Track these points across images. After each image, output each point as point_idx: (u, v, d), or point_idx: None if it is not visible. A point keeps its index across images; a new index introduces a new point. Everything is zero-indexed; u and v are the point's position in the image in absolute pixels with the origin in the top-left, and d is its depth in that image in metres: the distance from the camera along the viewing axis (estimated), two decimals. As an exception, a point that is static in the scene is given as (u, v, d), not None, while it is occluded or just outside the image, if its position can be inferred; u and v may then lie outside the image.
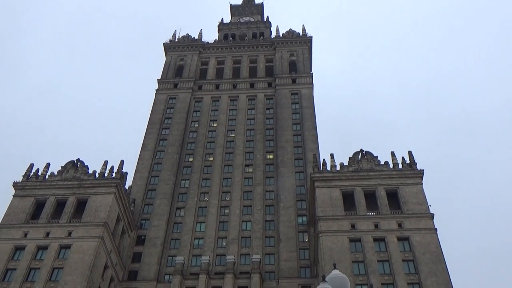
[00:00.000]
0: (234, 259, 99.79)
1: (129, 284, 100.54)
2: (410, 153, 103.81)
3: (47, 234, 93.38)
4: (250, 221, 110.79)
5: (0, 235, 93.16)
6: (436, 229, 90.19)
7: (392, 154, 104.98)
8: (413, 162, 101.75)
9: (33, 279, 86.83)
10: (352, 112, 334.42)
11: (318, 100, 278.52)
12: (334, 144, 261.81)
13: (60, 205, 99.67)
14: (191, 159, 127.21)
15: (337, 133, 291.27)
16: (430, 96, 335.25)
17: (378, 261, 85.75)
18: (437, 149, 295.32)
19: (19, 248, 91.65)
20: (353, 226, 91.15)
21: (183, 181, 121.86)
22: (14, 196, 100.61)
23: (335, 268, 14.53)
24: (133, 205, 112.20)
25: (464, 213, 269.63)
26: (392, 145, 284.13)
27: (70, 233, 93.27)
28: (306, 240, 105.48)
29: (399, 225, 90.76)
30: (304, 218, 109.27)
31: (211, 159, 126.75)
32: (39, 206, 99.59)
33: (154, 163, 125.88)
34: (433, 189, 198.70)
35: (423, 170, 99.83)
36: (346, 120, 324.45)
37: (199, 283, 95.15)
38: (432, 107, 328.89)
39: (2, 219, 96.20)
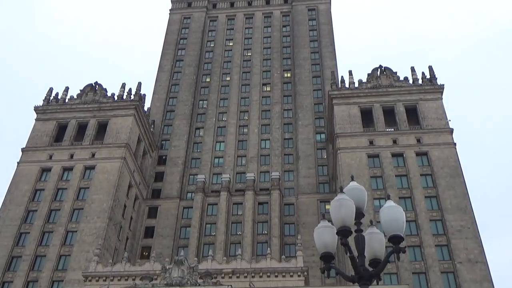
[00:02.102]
0: (254, 176, 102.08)
1: (153, 202, 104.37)
2: (430, 68, 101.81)
3: (71, 156, 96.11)
4: (269, 139, 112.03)
5: (26, 158, 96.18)
6: (455, 144, 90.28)
7: (412, 69, 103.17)
8: (433, 77, 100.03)
9: (61, 198, 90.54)
10: (373, 28, 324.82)
11: (336, 16, 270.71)
12: (353, 61, 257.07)
13: (81, 128, 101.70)
14: (208, 80, 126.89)
15: (356, 50, 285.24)
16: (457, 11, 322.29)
17: (396, 176, 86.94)
18: (461, 66, 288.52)
19: (46, 170, 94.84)
20: (371, 143, 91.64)
21: (201, 102, 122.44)
22: (36, 120, 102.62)
23: (352, 180, 14.73)
24: (152, 126, 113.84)
25: (484, 129, 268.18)
26: (414, 62, 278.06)
27: (93, 155, 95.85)
28: (325, 157, 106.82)
29: (418, 140, 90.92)
30: (323, 136, 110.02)
31: (228, 79, 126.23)
32: (61, 129, 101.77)
33: (171, 84, 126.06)
34: (453, 104, 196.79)
35: (443, 85, 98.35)
36: (367, 36, 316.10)
37: (220, 199, 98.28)
38: (459, 22, 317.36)
39: (27, 142, 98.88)
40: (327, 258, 13.20)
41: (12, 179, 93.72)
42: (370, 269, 13.22)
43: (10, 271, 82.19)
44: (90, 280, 69.04)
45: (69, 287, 75.28)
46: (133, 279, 65.87)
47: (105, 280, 67.12)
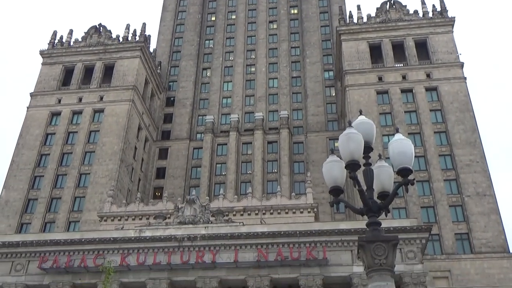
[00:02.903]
0: (263, 115, 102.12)
1: (163, 143, 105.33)
2: (441, 0, 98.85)
3: (80, 99, 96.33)
4: (277, 78, 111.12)
5: (35, 103, 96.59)
6: (465, 78, 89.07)
7: (422, 2, 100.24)
8: (444, 10, 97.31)
9: (72, 142, 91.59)
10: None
11: None
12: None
13: (88, 71, 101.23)
14: (213, 18, 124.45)
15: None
16: None
17: (405, 112, 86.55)
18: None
19: (55, 114, 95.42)
20: (380, 79, 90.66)
21: (207, 41, 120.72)
22: (42, 64, 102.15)
23: (361, 114, 14.67)
24: (159, 67, 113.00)
25: (495, 63, 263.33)
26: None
27: (101, 98, 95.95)
28: (333, 94, 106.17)
29: (428, 75, 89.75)
30: (331, 73, 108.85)
31: (233, 17, 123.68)
32: (68, 73, 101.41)
33: (176, 24, 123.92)
34: (464, 38, 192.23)
35: (454, 17, 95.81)
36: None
37: (229, 139, 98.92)
38: None
39: (35, 87, 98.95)
40: (336, 192, 13.36)
41: (23, 124, 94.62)
42: (379, 201, 13.40)
43: (27, 213, 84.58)
44: (105, 220, 70.93)
45: (85, 227, 77.48)
46: (147, 218, 67.56)
47: (119, 220, 68.94)
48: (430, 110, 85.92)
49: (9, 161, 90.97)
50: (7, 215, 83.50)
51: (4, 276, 54.59)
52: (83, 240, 54.99)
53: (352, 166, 13.10)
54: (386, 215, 13.83)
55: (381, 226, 12.95)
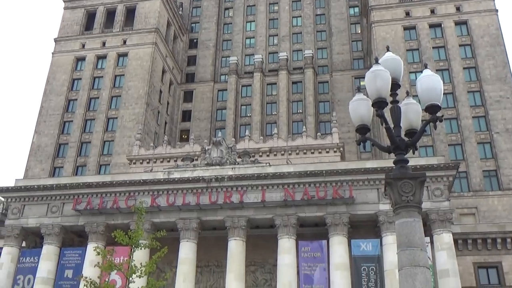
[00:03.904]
0: (287, 55, 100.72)
1: (187, 86, 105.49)
2: None
3: (103, 44, 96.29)
4: (300, 16, 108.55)
5: (60, 48, 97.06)
6: (496, 11, 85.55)
7: None
8: None
9: (98, 86, 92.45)
10: None
11: None
12: None
13: (110, 14, 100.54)
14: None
15: None
16: None
17: (433, 47, 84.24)
18: None
19: (80, 59, 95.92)
20: (407, 14, 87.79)
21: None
22: (64, 8, 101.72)
23: (388, 50, 14.33)
24: (181, 9, 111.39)
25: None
26: None
27: (124, 42, 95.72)
28: (359, 32, 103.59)
29: (457, 8, 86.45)
30: (356, 9, 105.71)
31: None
32: (90, 17, 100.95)
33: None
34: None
35: None
36: None
37: (254, 80, 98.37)
38: None
39: (59, 32, 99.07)
40: (362, 130, 13.28)
41: (49, 70, 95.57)
42: (406, 139, 13.30)
43: (59, 157, 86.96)
44: (134, 163, 72.46)
45: (115, 170, 79.43)
46: (175, 160, 68.72)
47: (148, 163, 70.31)
48: (459, 45, 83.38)
49: (38, 107, 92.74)
50: (40, 159, 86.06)
51: (41, 218, 56.88)
52: (114, 182, 56.43)
53: (379, 103, 12.95)
54: (413, 153, 13.80)
55: (408, 164, 12.93)
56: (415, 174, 12.59)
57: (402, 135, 13.28)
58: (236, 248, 52.29)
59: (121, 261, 22.56)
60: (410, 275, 11.37)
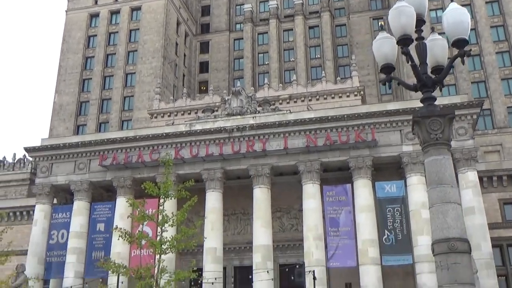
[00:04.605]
0: (302, 0, 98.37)
1: (203, 37, 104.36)
2: None
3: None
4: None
5: (73, 6, 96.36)
6: None
7: None
8: None
9: (114, 42, 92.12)
10: None
11: None
12: None
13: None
14: None
15: None
16: None
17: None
18: None
19: (94, 15, 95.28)
20: None
21: None
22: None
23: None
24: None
25: None
26: None
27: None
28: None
29: None
30: None
31: None
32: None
33: None
34: None
35: None
36: None
37: (270, 28, 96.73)
38: None
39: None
40: (387, 69, 13.05)
41: (64, 28, 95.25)
42: (433, 76, 13.06)
43: (81, 115, 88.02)
44: (155, 117, 72.96)
45: (137, 125, 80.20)
46: (195, 112, 68.93)
47: (169, 116, 70.73)
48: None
49: (56, 66, 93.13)
50: (63, 118, 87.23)
51: (69, 175, 58.19)
52: (137, 137, 57.03)
53: (404, 41, 12.64)
54: (440, 90, 13.55)
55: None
56: (444, 111, 12.44)
57: (429, 72, 13.04)
58: (261, 196, 53.06)
59: (152, 213, 23.09)
60: (441, 212, 11.43)
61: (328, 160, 53.30)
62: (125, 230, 21.86)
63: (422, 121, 12.30)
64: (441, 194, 11.63)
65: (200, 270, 24.21)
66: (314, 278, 40.32)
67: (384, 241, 49.28)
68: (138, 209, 19.00)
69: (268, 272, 48.76)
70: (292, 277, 55.49)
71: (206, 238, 23.85)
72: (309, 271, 38.79)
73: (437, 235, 11.35)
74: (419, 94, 13.14)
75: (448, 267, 10.77)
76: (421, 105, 13.06)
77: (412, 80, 12.99)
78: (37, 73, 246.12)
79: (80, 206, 56.81)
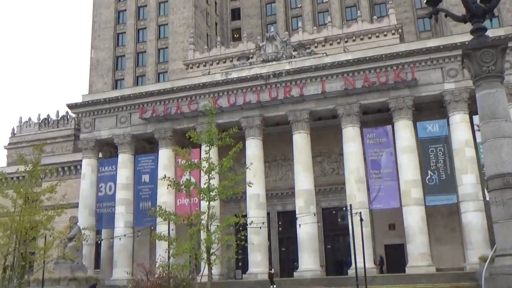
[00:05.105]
0: None
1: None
2: None
3: None
4: None
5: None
6: None
7: None
8: None
9: (143, 39, 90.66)
10: None
11: None
12: None
13: None
14: None
15: None
16: None
17: None
18: None
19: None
20: None
21: None
22: None
23: None
24: None
25: None
26: None
27: None
28: None
29: None
30: None
31: None
32: None
33: None
34: None
35: None
36: None
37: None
38: None
39: None
40: (433, 1, 12.52)
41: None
42: (482, 6, 12.45)
43: (118, 69, 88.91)
44: (191, 68, 72.98)
45: (173, 76, 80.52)
46: (230, 61, 68.52)
47: (204, 66, 70.62)
48: None
49: (90, 22, 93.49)
50: (101, 73, 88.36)
51: (112, 129, 59.43)
52: (174, 88, 57.30)
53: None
54: (490, 20, 12.95)
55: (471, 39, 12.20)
56: (496, 42, 11.93)
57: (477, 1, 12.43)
58: (301, 141, 53.07)
59: (195, 162, 23.34)
60: (495, 147, 11.15)
61: (367, 102, 52.51)
62: (173, 179, 22.39)
63: (473, 53, 11.84)
64: (495, 129, 11.31)
65: (244, 217, 24.75)
66: (361, 219, 40.65)
67: (427, 182, 48.94)
68: (184, 158, 19.29)
69: (315, 214, 49.59)
70: (336, 220, 56.22)
71: (252, 184, 24.12)
72: (356, 213, 39.08)
73: (491, 170, 11.11)
74: (460, 29, 12.75)
75: (503, 202, 10.59)
76: (464, 40, 12.70)
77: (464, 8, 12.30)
78: (73, 29, 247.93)
79: (124, 159, 58.31)
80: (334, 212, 53.45)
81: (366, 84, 51.35)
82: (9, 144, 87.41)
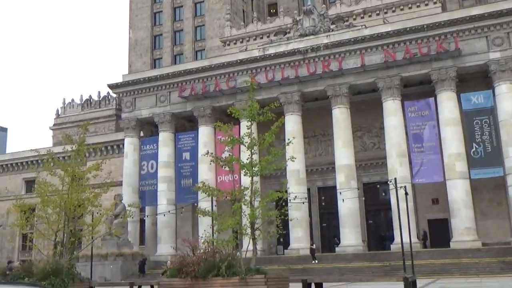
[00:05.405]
0: None
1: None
2: None
3: None
4: None
5: None
6: None
7: None
8: None
9: (180, 17, 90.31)
10: None
11: None
12: None
13: None
14: None
15: None
16: None
17: None
18: None
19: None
20: None
21: None
22: None
23: None
24: None
25: None
26: None
27: None
28: None
29: None
30: None
31: None
32: None
33: None
34: None
35: None
36: None
37: None
38: None
39: None
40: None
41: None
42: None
43: (156, 49, 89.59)
44: (228, 44, 72.83)
45: (211, 54, 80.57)
46: (267, 36, 67.96)
47: (241, 42, 70.32)
48: None
49: (127, 1, 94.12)
50: (140, 53, 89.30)
51: (152, 108, 60.23)
52: (212, 66, 57.41)
53: None
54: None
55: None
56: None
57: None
58: (340, 116, 52.52)
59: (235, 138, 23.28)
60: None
61: (408, 74, 51.39)
62: (216, 155, 22.59)
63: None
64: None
65: (286, 192, 24.89)
66: (406, 193, 40.11)
67: (472, 155, 47.76)
68: (227, 134, 19.38)
69: (358, 189, 49.28)
70: (377, 195, 55.73)
71: (295, 158, 23.94)
72: (401, 187, 38.53)
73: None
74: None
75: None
76: (510, 6, 11.95)
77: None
78: (112, 11, 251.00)
79: (165, 137, 59.15)
80: (378, 186, 52.88)
81: (407, 55, 50.18)
82: (54, 125, 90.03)
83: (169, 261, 43.45)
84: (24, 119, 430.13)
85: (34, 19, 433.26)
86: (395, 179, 39.82)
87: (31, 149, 58.37)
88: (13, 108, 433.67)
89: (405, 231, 38.84)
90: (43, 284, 19.43)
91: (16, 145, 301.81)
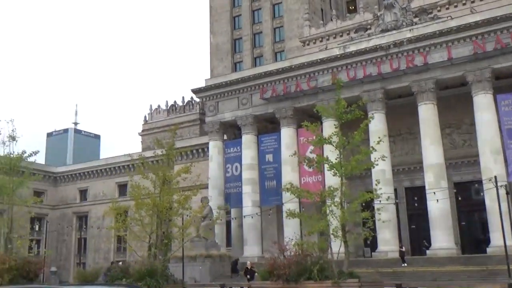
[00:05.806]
0: None
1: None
2: None
3: None
4: None
5: None
6: None
7: None
8: None
9: (259, 20, 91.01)
10: None
11: None
12: None
13: None
14: None
15: None
16: None
17: None
18: None
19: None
20: None
21: None
22: None
23: None
24: None
25: None
26: None
27: None
28: None
29: None
30: None
31: None
32: None
33: None
34: None
35: None
36: None
37: None
38: None
39: None
40: None
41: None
42: None
43: (237, 52, 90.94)
44: (307, 44, 72.45)
45: (290, 55, 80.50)
46: (348, 34, 66.85)
47: (321, 41, 69.72)
48: None
49: (207, 8, 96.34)
50: (220, 57, 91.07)
51: (234, 111, 61.06)
52: (292, 66, 57.25)
53: None
54: None
55: None
56: None
57: None
58: (427, 112, 50.49)
59: (315, 139, 22.79)
60: None
61: (500, 66, 48.46)
62: (305, 156, 22.48)
63: None
64: None
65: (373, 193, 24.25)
66: (507, 193, 37.76)
67: None
68: (314, 133, 19.11)
69: (453, 189, 47.16)
70: (470, 195, 53.07)
71: (386, 157, 23.25)
72: (501, 186, 36.35)
73: None
74: None
75: None
76: None
77: None
78: (191, 20, 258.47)
79: (248, 140, 59.77)
80: (476, 185, 50.24)
81: (498, 46, 47.29)
82: (142, 131, 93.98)
83: (248, 262, 43.94)
84: (115, 127, 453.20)
85: (125, 32, 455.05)
86: (495, 177, 37.56)
87: (124, 154, 61.25)
88: (105, 117, 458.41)
89: (507, 234, 36.55)
90: (139, 285, 20.21)
91: (108, 151, 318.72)
